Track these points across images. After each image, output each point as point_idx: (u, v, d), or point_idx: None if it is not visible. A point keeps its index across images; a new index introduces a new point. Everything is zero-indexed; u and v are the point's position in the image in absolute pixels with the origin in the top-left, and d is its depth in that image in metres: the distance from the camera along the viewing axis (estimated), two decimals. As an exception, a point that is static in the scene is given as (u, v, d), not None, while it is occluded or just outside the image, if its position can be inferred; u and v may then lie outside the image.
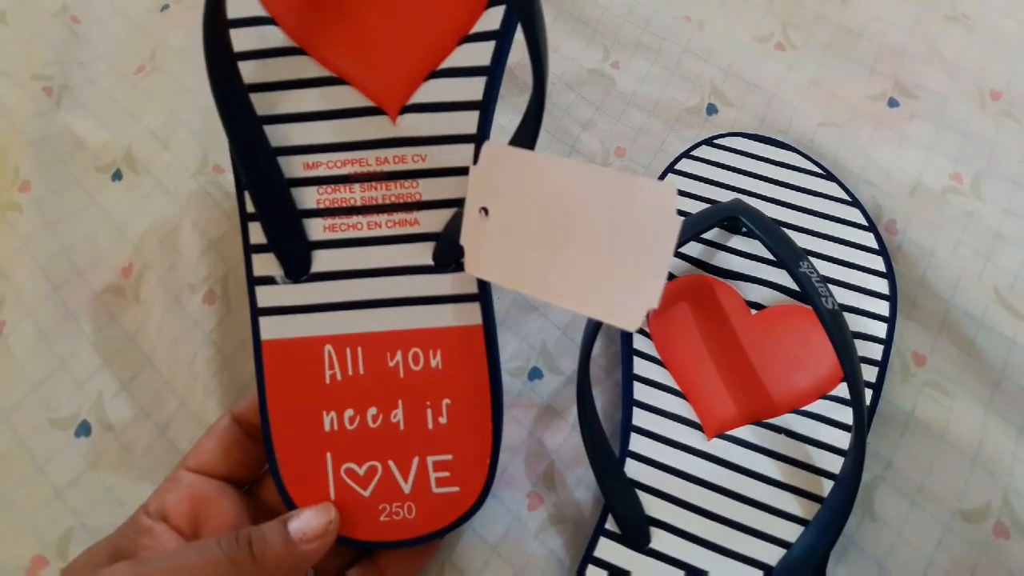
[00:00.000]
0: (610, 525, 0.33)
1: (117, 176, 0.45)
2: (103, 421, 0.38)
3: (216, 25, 0.27)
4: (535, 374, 0.39)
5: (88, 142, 0.46)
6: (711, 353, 0.37)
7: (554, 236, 0.25)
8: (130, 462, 0.37)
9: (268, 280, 0.31)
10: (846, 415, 0.34)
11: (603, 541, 0.32)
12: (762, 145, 0.42)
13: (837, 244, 0.39)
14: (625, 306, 0.24)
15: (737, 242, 0.39)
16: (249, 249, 0.31)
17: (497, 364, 0.31)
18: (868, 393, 0.35)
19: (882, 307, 0.37)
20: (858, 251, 0.39)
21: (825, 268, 0.38)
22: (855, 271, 0.38)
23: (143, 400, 0.39)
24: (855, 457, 0.31)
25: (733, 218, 0.34)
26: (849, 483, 0.31)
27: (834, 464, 0.34)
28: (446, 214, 0.31)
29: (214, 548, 0.27)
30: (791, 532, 0.32)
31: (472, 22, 0.30)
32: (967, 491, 0.35)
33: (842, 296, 0.37)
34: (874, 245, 0.39)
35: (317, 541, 0.29)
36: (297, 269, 0.31)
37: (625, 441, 0.34)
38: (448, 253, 0.31)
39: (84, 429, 0.38)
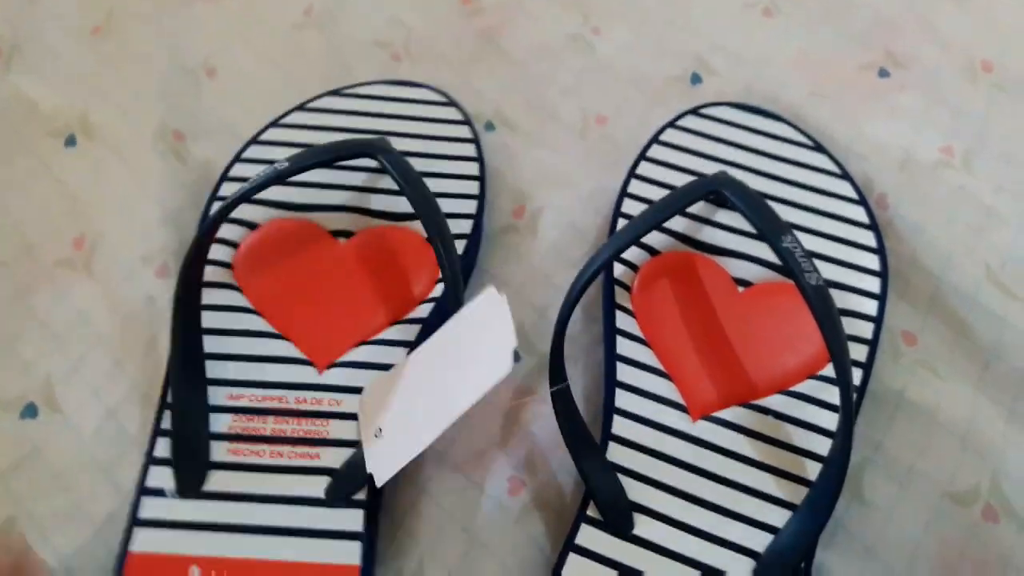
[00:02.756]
0: (592, 512, 0.31)
1: (71, 142, 0.42)
2: (51, 403, 0.36)
3: (191, 276, 0.32)
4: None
5: (40, 106, 0.43)
6: (696, 332, 0.35)
7: (422, 390, 0.29)
8: (78, 447, 0.35)
9: (157, 492, 0.32)
10: (835, 396, 0.33)
11: (584, 528, 0.31)
12: (750, 115, 0.40)
13: (826, 218, 0.37)
14: (490, 368, 0.27)
15: (724, 216, 0.37)
16: (149, 461, 0.32)
17: None
18: (858, 373, 0.34)
19: (873, 284, 0.36)
20: (848, 225, 0.37)
21: (814, 243, 0.37)
22: (845, 246, 0.37)
23: (94, 381, 0.36)
24: (843, 439, 0.29)
25: (719, 191, 0.33)
26: (837, 466, 0.30)
27: (823, 446, 0.32)
28: (346, 453, 0.32)
29: None
30: (779, 517, 0.31)
31: (406, 313, 0.35)
32: (957, 473, 0.34)
33: (831, 272, 0.36)
34: (865, 219, 0.37)
35: None
36: (189, 486, 0.32)
37: (607, 424, 0.33)
38: (341, 488, 0.32)
39: (30, 411, 0.36)
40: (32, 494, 0.34)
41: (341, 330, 0.35)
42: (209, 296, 0.35)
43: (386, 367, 0.34)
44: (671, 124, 0.40)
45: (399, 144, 0.39)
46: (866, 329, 0.35)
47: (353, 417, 0.33)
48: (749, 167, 0.39)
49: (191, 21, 0.46)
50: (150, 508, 0.31)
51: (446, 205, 0.38)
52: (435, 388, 0.29)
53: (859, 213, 0.38)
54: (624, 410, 0.33)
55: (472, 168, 0.39)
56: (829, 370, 0.34)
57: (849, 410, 0.29)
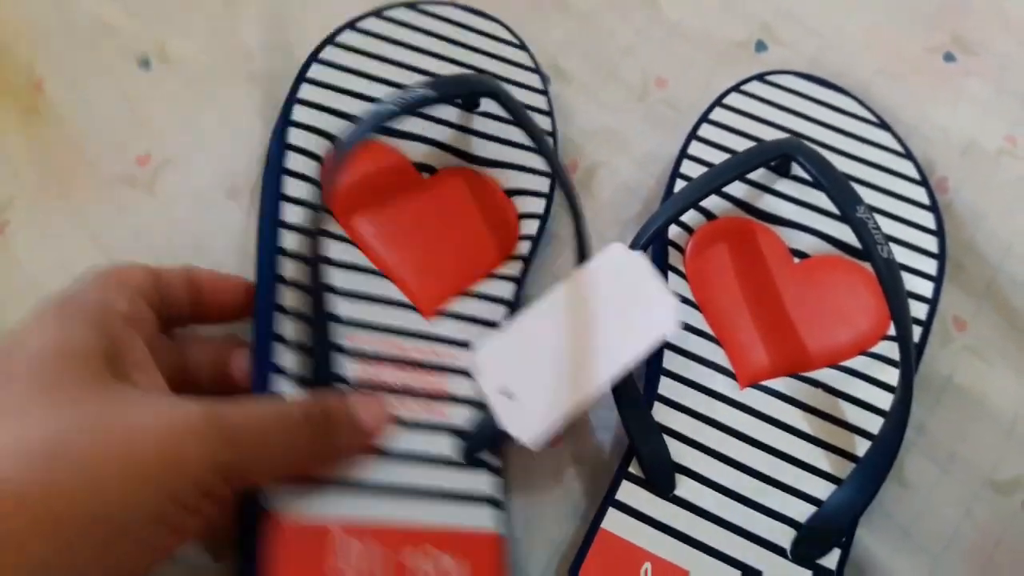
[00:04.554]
0: (633, 469, 0.31)
1: (145, 65, 0.41)
2: None
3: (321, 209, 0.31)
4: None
5: (116, 29, 0.42)
6: (749, 299, 0.35)
7: (564, 355, 0.29)
8: None
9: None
10: (884, 373, 0.33)
11: (625, 484, 0.31)
12: (815, 86, 0.40)
13: (886, 196, 0.37)
14: (650, 326, 0.28)
15: (784, 186, 0.37)
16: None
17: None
18: (911, 353, 0.33)
19: (929, 265, 0.35)
20: (908, 205, 0.37)
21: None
22: (904, 226, 0.36)
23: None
24: (899, 414, 0.29)
25: (785, 158, 0.32)
26: (889, 442, 0.30)
27: (869, 422, 0.32)
28: (472, 412, 0.31)
29: (293, 410, 0.26)
30: (823, 489, 0.31)
31: (496, 266, 0.35)
32: (1000, 462, 0.34)
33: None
34: (925, 200, 0.37)
35: (380, 427, 0.28)
36: None
37: (654, 383, 0.32)
38: (473, 449, 0.30)
39: None
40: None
41: (441, 277, 0.34)
42: (294, 215, 0.33)
43: (489, 323, 0.33)
44: (735, 88, 0.39)
45: None
46: (920, 310, 0.34)
47: (467, 375, 0.32)
48: (812, 138, 0.38)
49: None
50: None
51: (517, 157, 0.37)
52: (582, 346, 0.28)
53: (920, 194, 0.37)
54: (671, 371, 0.33)
55: (543, 122, 0.38)
56: (880, 347, 0.34)
57: (909, 385, 0.28)
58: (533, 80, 0.39)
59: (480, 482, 0.30)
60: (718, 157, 0.37)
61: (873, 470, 0.30)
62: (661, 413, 0.32)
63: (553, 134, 0.38)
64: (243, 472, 0.24)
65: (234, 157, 0.38)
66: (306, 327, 0.30)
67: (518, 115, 0.33)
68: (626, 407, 0.31)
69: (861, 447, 0.31)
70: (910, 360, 0.29)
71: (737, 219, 0.36)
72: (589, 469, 0.33)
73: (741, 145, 0.38)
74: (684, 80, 0.42)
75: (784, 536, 0.30)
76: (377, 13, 0.39)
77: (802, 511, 0.30)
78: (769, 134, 0.38)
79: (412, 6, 0.39)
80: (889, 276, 0.29)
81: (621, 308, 0.29)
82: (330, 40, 0.37)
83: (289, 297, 0.31)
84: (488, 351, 0.29)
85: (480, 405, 0.31)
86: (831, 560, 0.30)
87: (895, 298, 0.29)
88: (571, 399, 0.28)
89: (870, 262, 0.29)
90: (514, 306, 0.34)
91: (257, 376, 0.29)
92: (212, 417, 0.23)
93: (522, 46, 0.40)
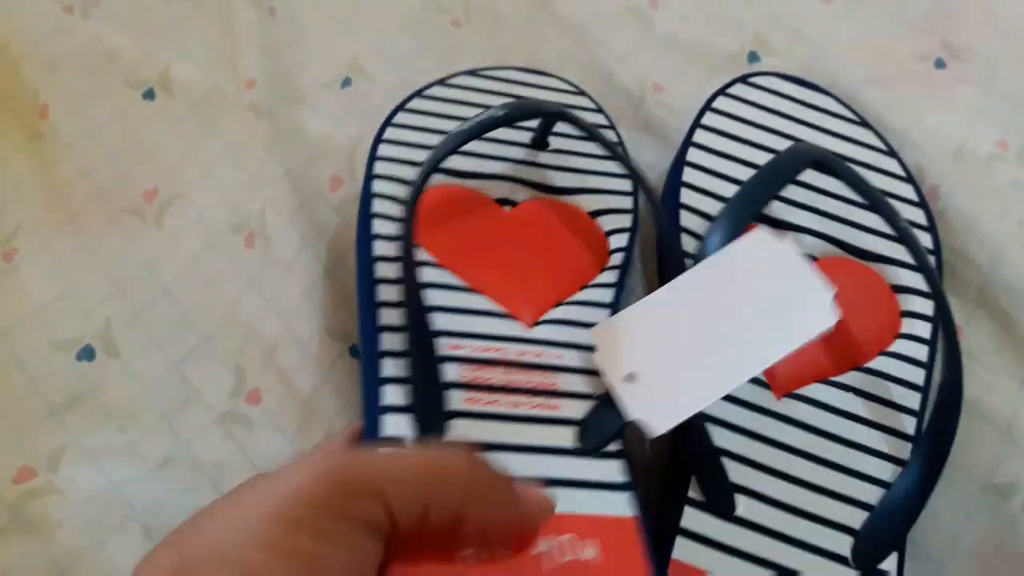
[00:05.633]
0: (692, 492, 0.31)
1: (149, 95, 0.40)
2: (109, 348, 0.36)
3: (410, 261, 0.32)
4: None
5: (119, 55, 0.43)
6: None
7: (701, 342, 0.28)
8: (136, 391, 0.35)
9: (395, 440, 0.30)
10: (907, 372, 0.34)
11: (689, 510, 0.30)
12: (797, 87, 0.40)
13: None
14: (806, 319, 0.27)
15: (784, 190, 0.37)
16: (380, 409, 0.30)
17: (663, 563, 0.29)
18: (924, 349, 0.34)
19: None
20: (897, 203, 0.38)
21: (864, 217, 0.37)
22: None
23: (158, 332, 0.36)
24: (945, 423, 0.30)
25: (815, 166, 0.33)
26: (937, 436, 0.31)
27: (903, 423, 0.33)
28: (585, 405, 0.31)
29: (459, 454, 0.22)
30: (871, 494, 0.31)
31: (592, 277, 0.35)
32: (998, 466, 0.34)
33: (884, 248, 0.36)
34: (914, 197, 0.38)
35: (540, 512, 0.24)
36: (429, 434, 0.30)
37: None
38: (594, 439, 0.30)
39: (87, 354, 0.36)
40: (84, 429, 0.34)
41: (536, 288, 0.34)
42: (387, 249, 0.34)
43: (590, 325, 0.32)
44: (722, 91, 0.40)
45: None
46: (926, 306, 0.36)
47: (580, 372, 0.32)
48: (798, 138, 0.38)
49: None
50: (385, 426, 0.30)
51: (593, 182, 0.38)
52: (722, 334, 0.28)
53: (908, 191, 0.38)
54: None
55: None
56: (896, 346, 0.34)
57: (959, 383, 0.29)
58: (599, 119, 0.40)
59: (608, 469, 0.30)
60: (715, 162, 0.38)
61: (926, 464, 0.31)
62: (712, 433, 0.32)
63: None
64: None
65: (237, 190, 0.39)
66: (409, 345, 0.31)
67: (590, 131, 0.34)
68: (682, 430, 0.31)
69: (896, 448, 0.32)
70: (958, 355, 0.30)
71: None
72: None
73: (733, 148, 0.38)
74: (679, 91, 0.42)
75: (842, 544, 0.30)
76: (441, 82, 0.40)
77: (857, 517, 0.31)
78: (756, 135, 0.39)
79: (474, 73, 0.40)
80: (932, 277, 0.30)
81: (770, 297, 0.28)
82: (401, 107, 0.39)
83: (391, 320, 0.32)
84: (601, 338, 0.29)
85: (593, 398, 0.31)
86: (890, 563, 0.30)
87: (940, 297, 0.30)
88: (708, 390, 0.27)
89: (922, 273, 0.29)
90: (615, 309, 0.34)
91: (369, 414, 0.30)
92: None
93: (580, 92, 0.41)
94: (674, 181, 0.37)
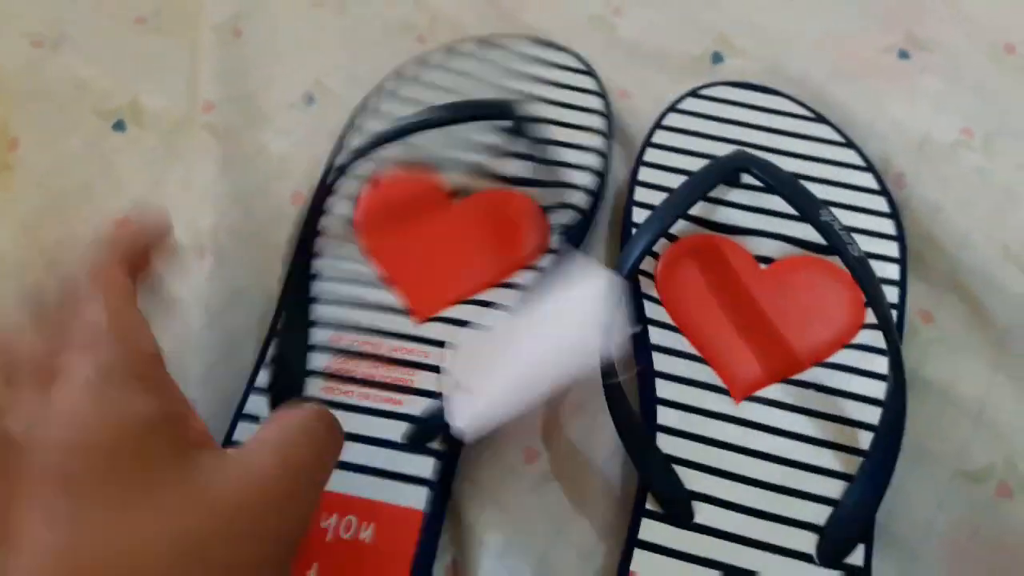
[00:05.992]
0: (650, 504, 0.31)
1: (120, 127, 0.43)
2: None
3: (312, 224, 0.36)
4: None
5: (89, 87, 0.44)
6: (727, 313, 0.35)
7: (514, 357, 0.29)
8: None
9: (253, 418, 0.33)
10: (870, 363, 0.33)
11: (646, 522, 0.31)
12: (747, 92, 0.40)
13: (837, 188, 0.38)
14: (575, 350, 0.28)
15: (736, 195, 0.37)
16: (249, 390, 0.34)
17: (429, 558, 0.31)
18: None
19: (891, 248, 0.36)
20: (860, 193, 0.38)
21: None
22: (859, 213, 0.37)
23: None
24: (895, 403, 0.30)
25: (742, 171, 0.33)
26: (891, 430, 0.30)
27: (867, 414, 0.32)
28: (427, 403, 0.33)
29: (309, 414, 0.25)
30: (835, 488, 0.31)
31: (507, 276, 0.36)
32: (971, 452, 0.34)
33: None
34: (875, 186, 0.38)
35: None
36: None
37: (651, 415, 0.33)
38: (419, 435, 0.33)
39: None
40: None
41: (444, 286, 0.36)
42: (328, 245, 0.37)
43: (477, 327, 0.34)
44: (672, 108, 0.40)
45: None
46: (891, 293, 0.35)
47: (438, 369, 0.34)
48: (753, 143, 0.39)
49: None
50: (240, 433, 0.33)
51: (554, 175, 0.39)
52: (526, 359, 0.29)
53: (868, 180, 0.38)
54: (667, 400, 0.33)
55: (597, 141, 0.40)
56: (860, 337, 0.34)
57: (901, 375, 0.29)
58: (595, 103, 0.41)
59: (420, 465, 0.32)
60: (667, 178, 0.38)
61: (882, 459, 0.30)
62: (665, 443, 0.32)
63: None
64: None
65: (197, 211, 0.40)
66: (284, 325, 0.35)
67: (521, 130, 0.36)
68: (632, 444, 0.31)
69: (864, 440, 0.32)
70: (897, 347, 0.29)
71: (699, 236, 0.37)
72: (601, 508, 0.33)
73: (688, 163, 0.38)
74: (646, 97, 0.42)
75: (808, 542, 0.30)
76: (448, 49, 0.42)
77: (821, 514, 0.31)
78: (710, 147, 0.39)
79: (484, 42, 0.43)
80: (864, 273, 0.29)
81: (564, 334, 0.29)
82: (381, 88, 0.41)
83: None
84: (460, 347, 0.32)
85: (438, 396, 0.33)
86: (857, 557, 0.30)
87: (873, 292, 0.29)
88: (499, 411, 0.28)
89: (843, 263, 0.29)
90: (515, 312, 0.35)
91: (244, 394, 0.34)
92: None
93: (588, 72, 0.42)
94: (627, 203, 0.38)
